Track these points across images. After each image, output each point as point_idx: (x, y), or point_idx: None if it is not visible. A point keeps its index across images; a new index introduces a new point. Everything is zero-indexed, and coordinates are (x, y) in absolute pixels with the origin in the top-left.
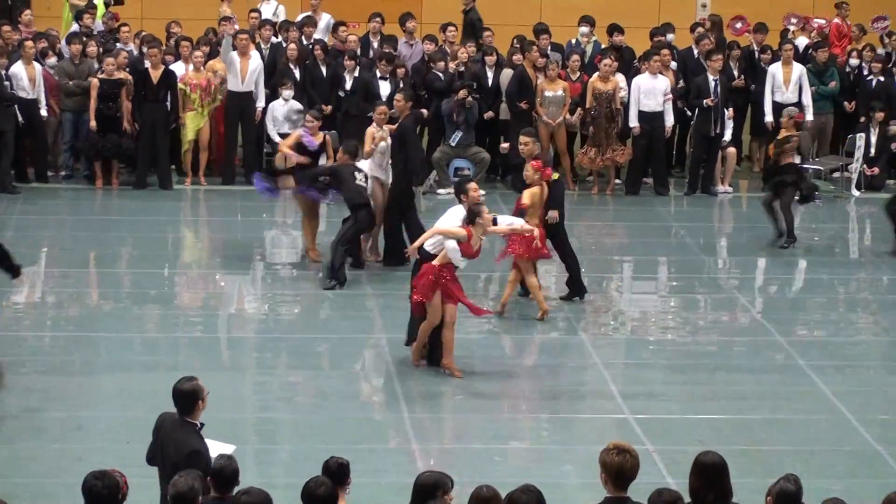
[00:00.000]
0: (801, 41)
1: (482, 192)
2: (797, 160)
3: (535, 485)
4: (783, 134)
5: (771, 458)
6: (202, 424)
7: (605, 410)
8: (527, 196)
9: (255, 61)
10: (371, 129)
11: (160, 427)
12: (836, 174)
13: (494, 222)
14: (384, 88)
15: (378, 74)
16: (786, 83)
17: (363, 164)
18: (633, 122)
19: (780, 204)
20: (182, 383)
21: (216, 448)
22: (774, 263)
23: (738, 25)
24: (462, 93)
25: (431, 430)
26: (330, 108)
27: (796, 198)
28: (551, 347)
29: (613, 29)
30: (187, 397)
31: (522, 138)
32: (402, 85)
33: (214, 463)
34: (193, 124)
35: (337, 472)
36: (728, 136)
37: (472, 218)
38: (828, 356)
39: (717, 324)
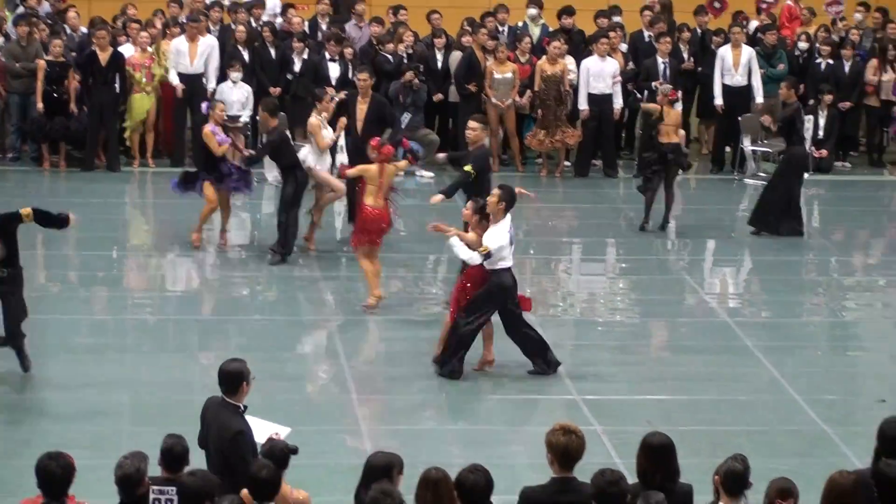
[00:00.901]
0: (752, 24)
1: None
2: (676, 139)
3: (483, 465)
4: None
5: (719, 438)
6: (245, 407)
7: (553, 391)
8: (358, 170)
9: (206, 43)
10: (317, 121)
11: (205, 411)
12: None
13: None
14: (333, 70)
15: (327, 56)
16: (735, 66)
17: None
18: (583, 105)
19: (665, 184)
20: (228, 364)
21: (270, 429)
22: (722, 245)
23: (717, 5)
24: (408, 75)
25: (380, 411)
26: (279, 90)
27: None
28: (500, 329)
29: (563, 11)
30: (232, 378)
31: (471, 123)
32: (350, 67)
33: (164, 441)
34: (140, 106)
35: (282, 458)
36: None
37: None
38: (775, 337)
39: (666, 305)
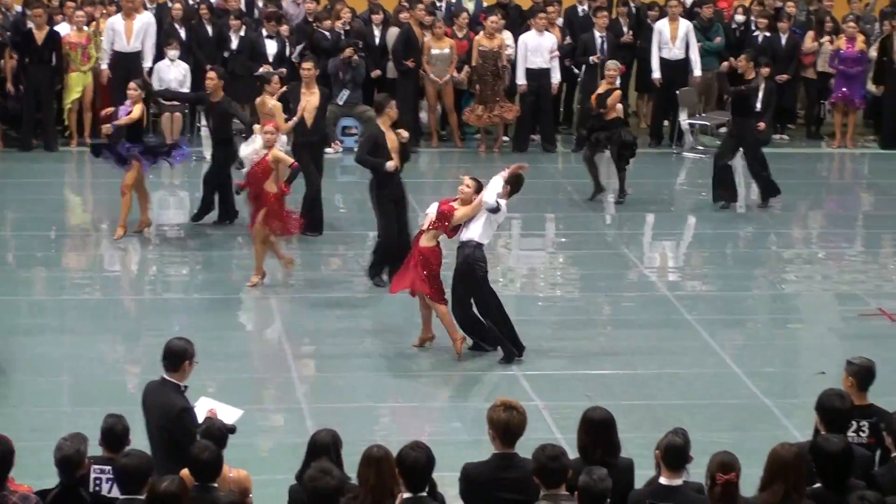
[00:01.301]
0: None
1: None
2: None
3: (424, 442)
4: (604, 87)
5: (660, 413)
6: (186, 387)
7: (494, 367)
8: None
9: (143, 20)
10: (277, 103)
11: (145, 396)
12: (723, 129)
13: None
14: (271, 47)
15: (265, 34)
16: (672, 39)
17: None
18: (521, 80)
19: (616, 162)
20: (173, 341)
21: (225, 411)
22: (662, 219)
23: None
24: (348, 51)
25: (320, 389)
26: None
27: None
28: None
29: None
30: (175, 355)
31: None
32: (287, 45)
33: (104, 421)
34: (77, 84)
35: (220, 438)
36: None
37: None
38: (715, 311)
39: (606, 280)
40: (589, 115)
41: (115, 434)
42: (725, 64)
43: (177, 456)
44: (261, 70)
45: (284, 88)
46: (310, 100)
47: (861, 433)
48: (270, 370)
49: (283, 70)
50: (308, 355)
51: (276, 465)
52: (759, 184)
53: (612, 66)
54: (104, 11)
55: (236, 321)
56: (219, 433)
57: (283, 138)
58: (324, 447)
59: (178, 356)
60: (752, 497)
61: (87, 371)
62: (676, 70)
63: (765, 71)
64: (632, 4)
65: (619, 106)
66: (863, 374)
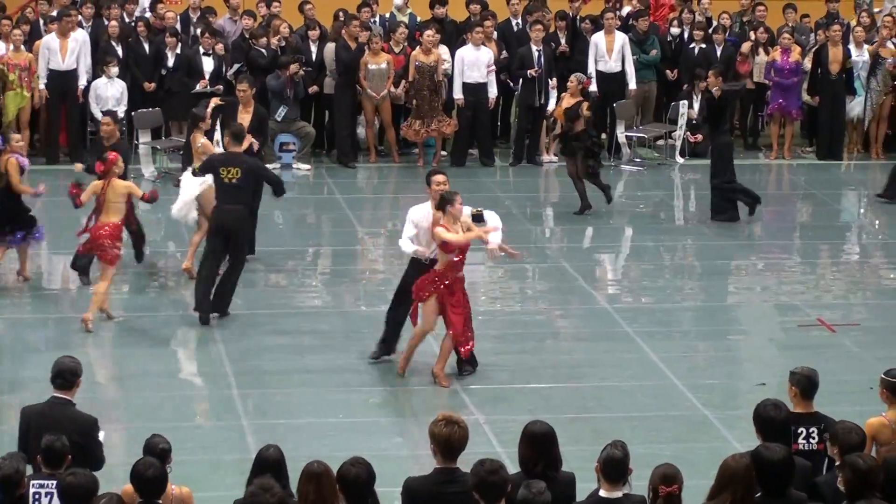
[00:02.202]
0: (625, 9)
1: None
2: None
3: (364, 457)
4: (570, 101)
5: (600, 425)
6: (75, 404)
7: (435, 382)
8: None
9: (77, 37)
10: (198, 136)
11: (28, 419)
12: (661, 141)
13: (479, 218)
14: (207, 64)
15: (201, 50)
16: (608, 52)
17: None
18: (458, 94)
19: (584, 173)
20: (64, 359)
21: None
22: (600, 231)
23: None
24: (293, 67)
25: (260, 405)
26: (153, 85)
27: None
28: (380, 321)
29: (435, 1)
30: (69, 372)
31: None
32: (223, 63)
33: (44, 440)
34: (14, 104)
35: (160, 455)
36: (552, 105)
37: (441, 206)
38: (655, 323)
39: (545, 293)
40: (562, 132)
41: (55, 451)
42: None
43: (92, 468)
44: (198, 87)
45: (219, 101)
46: (242, 117)
47: (811, 439)
48: (211, 387)
49: (220, 87)
50: (248, 371)
51: (217, 482)
52: (724, 196)
53: (575, 79)
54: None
55: (174, 338)
56: (160, 451)
57: (209, 177)
58: (270, 464)
59: (71, 374)
60: None
61: (27, 389)
62: (613, 83)
63: (703, 84)
64: (570, 17)
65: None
66: (805, 384)
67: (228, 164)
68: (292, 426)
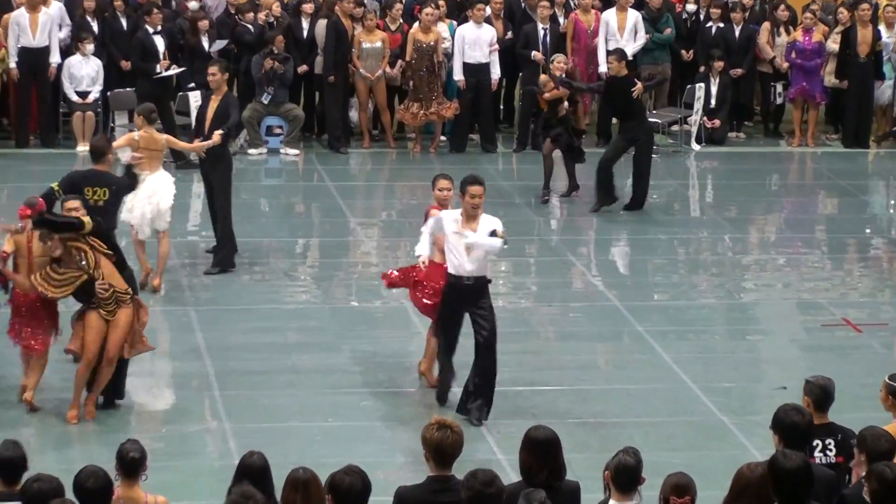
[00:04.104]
0: None
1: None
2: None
3: (358, 465)
4: (554, 94)
5: (608, 431)
6: None
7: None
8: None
9: (49, 12)
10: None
11: None
12: (675, 127)
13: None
14: (161, 45)
15: (150, 30)
16: (620, 30)
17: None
18: (458, 76)
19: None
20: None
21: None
22: (610, 223)
23: None
24: (267, 63)
25: (246, 409)
26: (129, 63)
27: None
28: (373, 317)
29: None
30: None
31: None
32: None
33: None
34: None
35: (129, 463)
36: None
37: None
38: (668, 321)
39: (551, 289)
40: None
41: (15, 465)
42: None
43: None
44: (158, 68)
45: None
46: (211, 106)
47: (828, 452)
48: (191, 388)
49: (184, 68)
50: (231, 371)
51: (197, 490)
52: (607, 186)
53: (560, 58)
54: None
55: (154, 339)
56: (131, 461)
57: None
58: (253, 471)
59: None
60: None
61: None
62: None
63: (718, 65)
64: None
65: (566, 104)
66: (819, 394)
67: (95, 182)
68: (278, 430)
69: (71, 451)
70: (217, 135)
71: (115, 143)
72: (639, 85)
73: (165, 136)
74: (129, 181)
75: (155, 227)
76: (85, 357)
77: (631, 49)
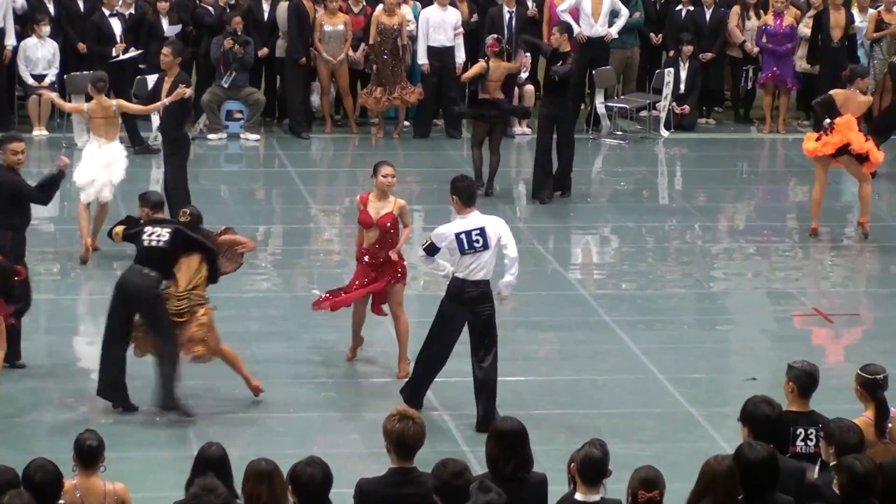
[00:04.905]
0: None
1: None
2: (500, 95)
3: (320, 456)
4: (480, 67)
5: (575, 423)
6: None
7: (395, 374)
8: None
9: None
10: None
11: None
12: (644, 113)
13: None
14: (117, 27)
15: (106, 13)
16: (595, 15)
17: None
18: (422, 59)
19: (490, 145)
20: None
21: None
22: (577, 211)
23: None
24: (227, 42)
25: (204, 398)
26: (85, 46)
27: None
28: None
29: None
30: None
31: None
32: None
33: None
34: None
35: (86, 453)
36: (525, 73)
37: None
38: (636, 311)
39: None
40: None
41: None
42: None
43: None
44: (114, 51)
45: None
46: (165, 88)
47: (809, 442)
48: (148, 378)
49: (141, 51)
50: (189, 362)
51: (156, 481)
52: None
53: (493, 38)
54: None
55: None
56: (88, 449)
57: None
58: (213, 462)
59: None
60: None
61: None
62: (598, 49)
63: (688, 49)
64: None
65: (530, 87)
66: (805, 380)
67: None
68: (237, 421)
69: (29, 443)
70: (182, 88)
71: (66, 106)
72: (558, 66)
73: (116, 100)
74: (41, 193)
75: (97, 197)
76: None
77: (615, 29)
